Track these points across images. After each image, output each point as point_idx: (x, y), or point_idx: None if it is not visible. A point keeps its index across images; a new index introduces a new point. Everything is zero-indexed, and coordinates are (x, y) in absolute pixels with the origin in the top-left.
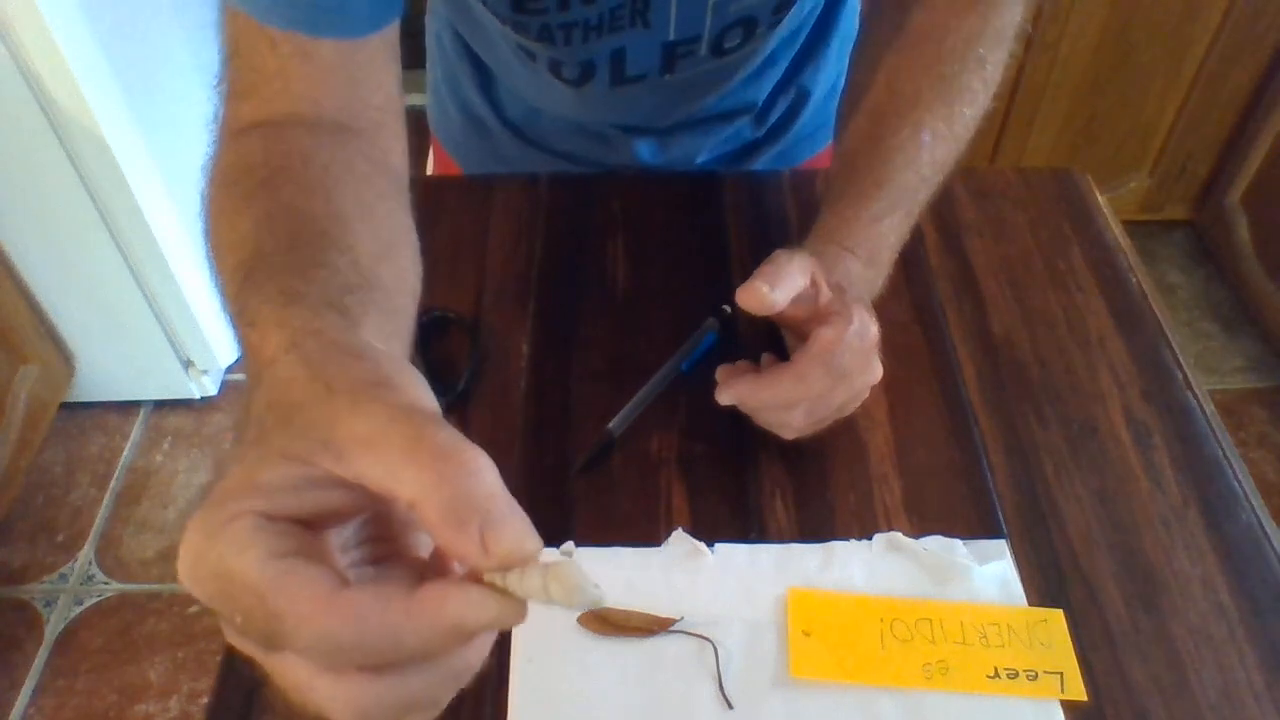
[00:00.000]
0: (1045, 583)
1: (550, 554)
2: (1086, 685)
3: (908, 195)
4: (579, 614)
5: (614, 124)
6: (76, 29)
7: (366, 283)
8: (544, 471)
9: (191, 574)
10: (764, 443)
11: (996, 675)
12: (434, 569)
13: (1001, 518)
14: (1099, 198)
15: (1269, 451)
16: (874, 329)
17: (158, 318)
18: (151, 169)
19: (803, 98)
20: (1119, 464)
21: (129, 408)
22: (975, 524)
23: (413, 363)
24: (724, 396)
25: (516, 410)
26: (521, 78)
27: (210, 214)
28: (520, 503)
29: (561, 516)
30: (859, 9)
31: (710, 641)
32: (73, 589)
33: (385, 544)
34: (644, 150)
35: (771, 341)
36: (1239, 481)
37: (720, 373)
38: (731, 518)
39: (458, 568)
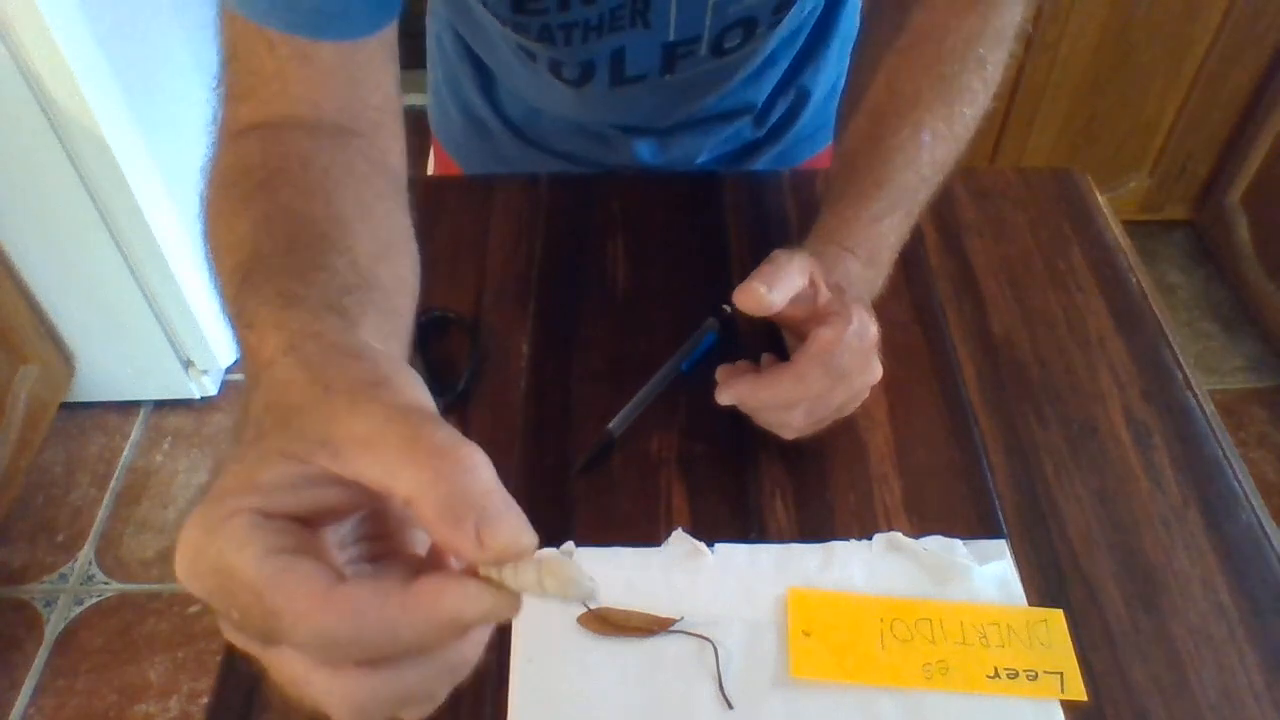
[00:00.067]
0: (1045, 583)
1: (549, 554)
2: (1086, 685)
3: (908, 195)
4: (579, 614)
5: (614, 124)
6: (76, 29)
7: (365, 283)
8: (544, 471)
9: (190, 570)
10: (764, 443)
11: (996, 675)
12: (431, 566)
13: (1001, 518)
14: (1099, 198)
15: (1269, 451)
16: (873, 329)
17: (158, 318)
18: (151, 169)
19: (803, 98)
20: (1119, 464)
21: (129, 408)
22: (975, 524)
23: (412, 363)
24: (724, 396)
25: (516, 410)
26: (522, 78)
27: (209, 216)
28: (520, 503)
29: (561, 516)
30: (859, 9)
31: (710, 641)
32: (73, 589)
33: (382, 542)
34: (644, 150)
35: (771, 341)
36: (1239, 481)
37: (720, 373)
38: (731, 518)
39: (454, 563)
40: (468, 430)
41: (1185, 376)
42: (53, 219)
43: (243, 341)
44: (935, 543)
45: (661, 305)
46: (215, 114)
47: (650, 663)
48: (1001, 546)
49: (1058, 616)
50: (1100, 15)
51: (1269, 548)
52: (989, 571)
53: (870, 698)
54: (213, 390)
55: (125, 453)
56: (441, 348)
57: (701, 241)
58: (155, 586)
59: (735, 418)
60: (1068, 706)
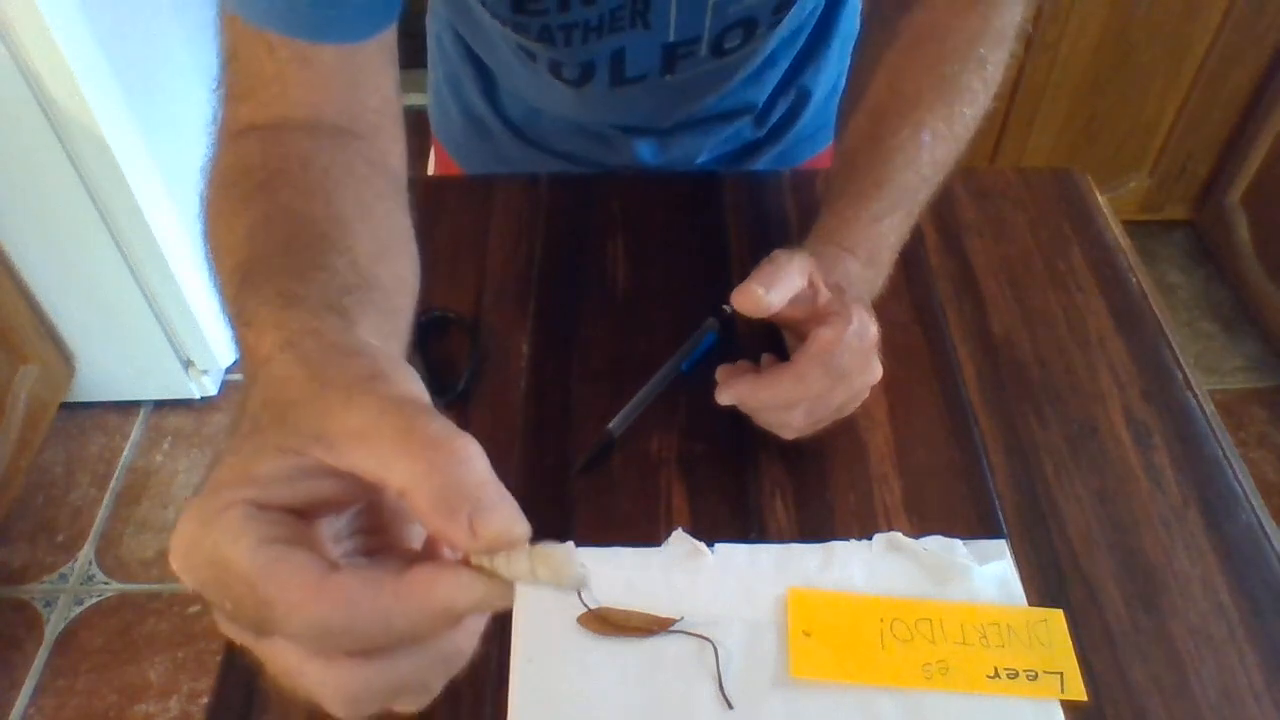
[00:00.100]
0: (1045, 583)
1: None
2: (1086, 685)
3: (908, 195)
4: (579, 614)
5: (614, 124)
6: (76, 29)
7: (364, 283)
8: (544, 471)
9: (185, 562)
10: (764, 443)
11: (996, 675)
12: (426, 558)
13: (1001, 518)
14: (1099, 198)
15: (1269, 451)
16: (873, 329)
17: (158, 318)
18: (151, 169)
19: (803, 98)
20: (1119, 464)
21: (129, 408)
22: (975, 524)
23: (412, 362)
24: (723, 397)
25: (516, 410)
26: (522, 78)
27: (209, 216)
28: (520, 503)
29: (561, 516)
30: (860, 9)
31: (710, 641)
32: (73, 589)
33: (378, 536)
34: (645, 151)
35: (771, 341)
36: (1239, 481)
37: (720, 373)
38: (731, 518)
39: (449, 554)
40: (468, 430)
41: (1185, 376)
42: (53, 219)
43: (241, 340)
44: (935, 543)
45: (661, 305)
46: (215, 115)
47: (650, 663)
48: (1001, 546)
49: (1058, 616)
50: (1100, 15)
51: (1269, 548)
52: (989, 571)
53: (870, 698)
54: (213, 390)
55: (125, 453)
56: (441, 348)
57: (701, 241)
58: (155, 586)
59: (735, 418)
60: (1068, 706)
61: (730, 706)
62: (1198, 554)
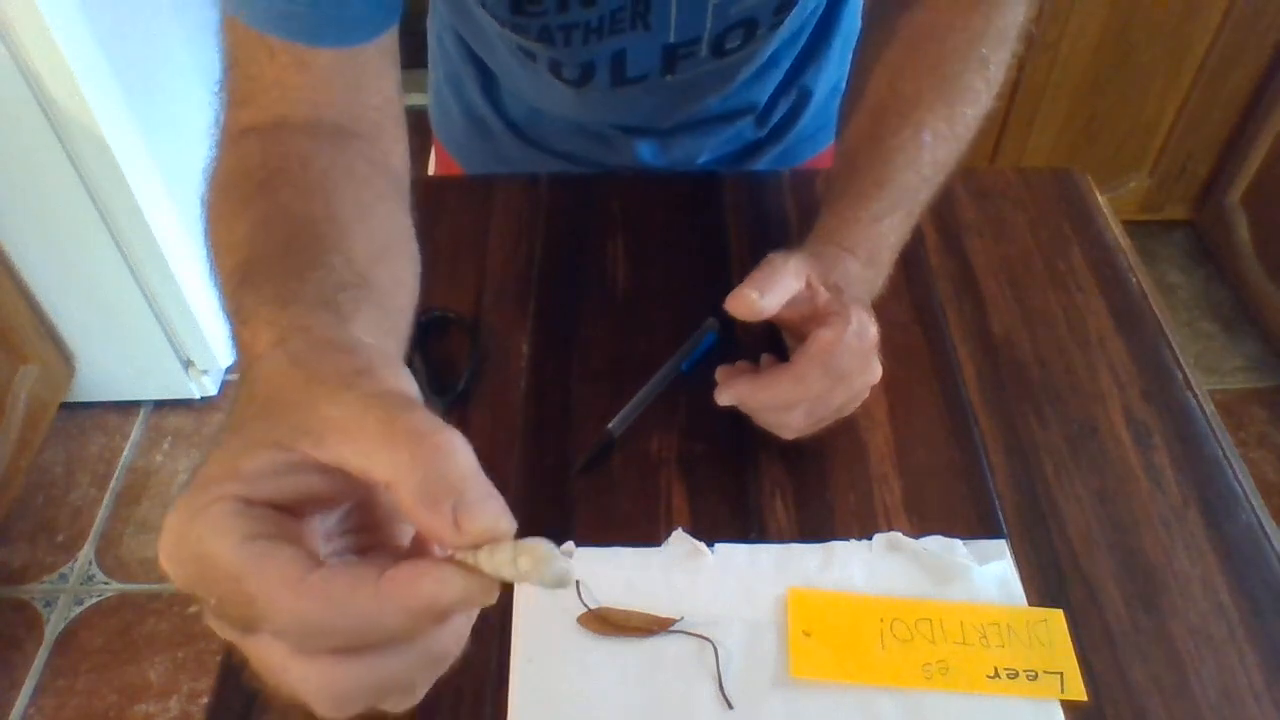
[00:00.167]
0: (1045, 583)
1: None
2: (1086, 685)
3: (908, 195)
4: (579, 614)
5: (615, 125)
6: (76, 29)
7: (361, 282)
8: (544, 471)
9: (171, 557)
10: (764, 443)
11: (996, 675)
12: (413, 555)
13: (1001, 518)
14: (1099, 198)
15: (1269, 451)
16: (873, 330)
17: (158, 318)
18: (151, 169)
19: (804, 98)
20: (1119, 464)
21: (129, 408)
22: (975, 524)
23: (412, 362)
24: (723, 397)
25: (516, 410)
26: (522, 79)
27: (210, 217)
28: (520, 503)
29: (561, 516)
30: (861, 8)
31: (710, 641)
32: (73, 589)
33: (370, 534)
34: (646, 151)
35: (771, 342)
36: (1239, 481)
37: (719, 373)
38: (731, 518)
39: (438, 551)
40: (468, 430)
41: (1185, 376)
42: (53, 219)
43: (238, 338)
44: (935, 543)
45: (661, 305)
46: (217, 118)
47: (650, 663)
48: (1001, 546)
49: (1058, 616)
50: (1100, 15)
51: (1269, 548)
52: (989, 571)
53: (870, 698)
54: (213, 390)
55: (125, 453)
56: (441, 348)
57: (701, 241)
58: (155, 586)
59: (735, 418)
60: (1068, 706)
61: (730, 706)
62: (1198, 554)
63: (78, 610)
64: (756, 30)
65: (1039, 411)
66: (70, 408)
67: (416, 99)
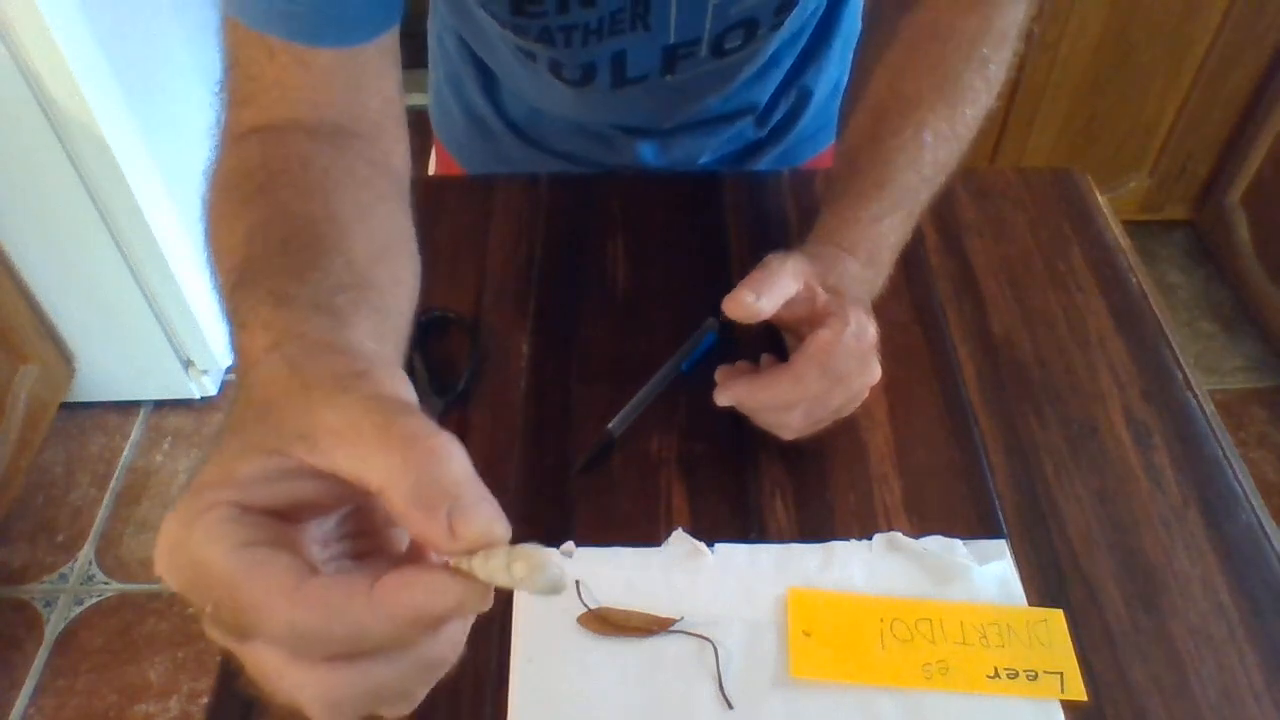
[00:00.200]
0: (1045, 583)
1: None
2: (1086, 685)
3: (909, 195)
4: (579, 614)
5: (616, 125)
6: (76, 29)
7: (360, 283)
8: (544, 471)
9: (167, 563)
10: (764, 443)
11: (996, 675)
12: (410, 562)
13: (1001, 518)
14: (1099, 198)
15: (1269, 451)
16: (872, 330)
17: (158, 318)
18: (151, 169)
19: (805, 98)
20: (1119, 464)
21: (129, 408)
22: (975, 524)
23: (412, 362)
24: (722, 398)
25: (516, 410)
26: (523, 79)
27: (210, 219)
28: (520, 503)
29: (561, 516)
30: (861, 8)
31: (710, 641)
32: (73, 589)
33: (368, 539)
34: (646, 152)
35: (771, 342)
36: (1239, 481)
37: (719, 374)
38: (731, 518)
39: (435, 558)
40: (468, 430)
41: (1185, 376)
42: (53, 219)
43: (236, 341)
44: (935, 543)
45: (661, 305)
46: (217, 119)
47: (650, 663)
48: (1001, 546)
49: (1058, 616)
50: (1100, 15)
51: (1269, 548)
52: (989, 571)
53: (870, 698)
54: (213, 390)
55: (125, 453)
56: (441, 348)
57: (701, 241)
58: (155, 586)
59: (735, 418)
60: (1068, 706)
61: (730, 706)
62: (1198, 554)
63: (78, 610)
64: (757, 31)
65: (1039, 411)
66: (70, 408)
67: (417, 99)
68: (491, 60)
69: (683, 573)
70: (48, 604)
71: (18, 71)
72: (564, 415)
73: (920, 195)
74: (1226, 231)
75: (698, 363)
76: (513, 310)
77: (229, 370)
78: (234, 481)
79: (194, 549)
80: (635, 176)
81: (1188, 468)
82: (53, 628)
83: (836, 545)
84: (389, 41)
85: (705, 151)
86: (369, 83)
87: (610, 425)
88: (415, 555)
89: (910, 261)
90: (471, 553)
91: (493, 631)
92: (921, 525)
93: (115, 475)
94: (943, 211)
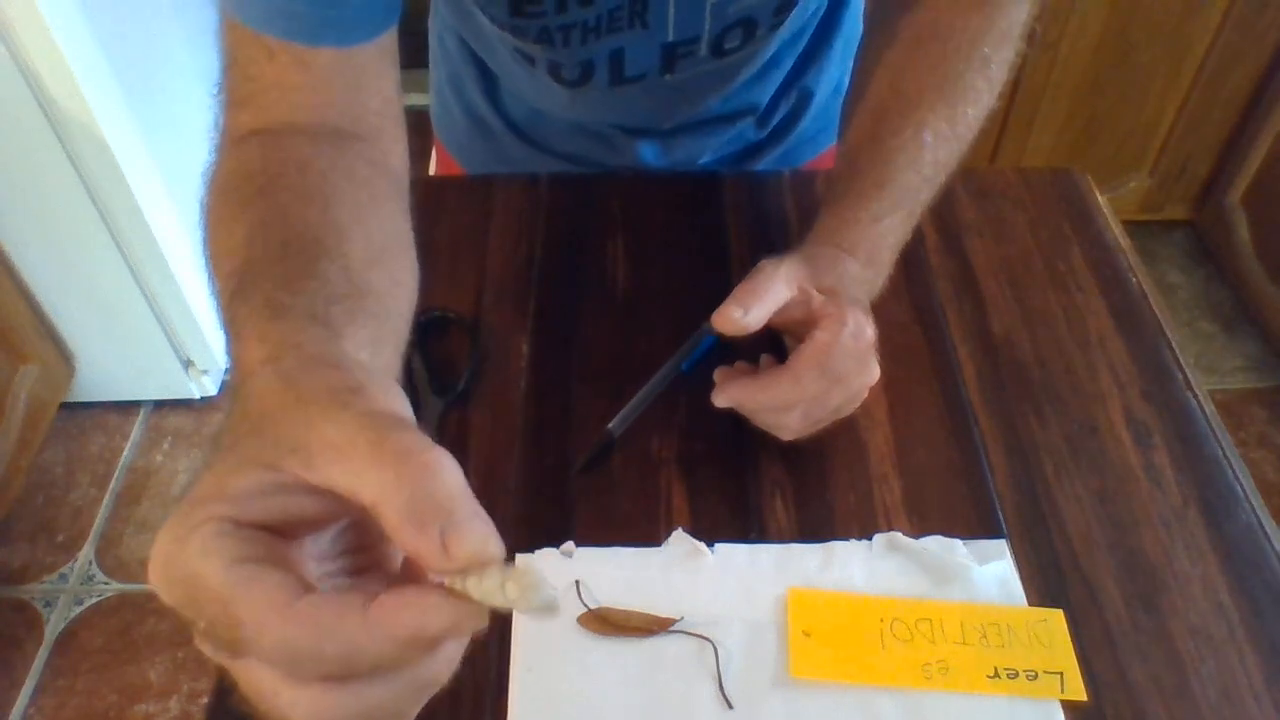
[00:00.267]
0: (1045, 583)
1: (550, 553)
2: (1086, 685)
3: (909, 195)
4: (579, 614)
5: (616, 125)
6: (76, 29)
7: (356, 290)
8: (544, 471)
9: (160, 578)
10: (764, 443)
11: (996, 675)
12: (405, 579)
13: (1001, 518)
14: (1099, 198)
15: (1269, 451)
16: (870, 331)
17: (158, 318)
18: (151, 169)
19: (805, 99)
20: (1119, 464)
21: (129, 408)
22: (975, 524)
23: (412, 362)
24: (720, 399)
25: (516, 410)
26: (522, 80)
27: (208, 222)
28: (520, 503)
29: (561, 516)
30: (863, 9)
31: (710, 641)
32: (73, 589)
33: (365, 555)
34: (647, 152)
35: (770, 343)
36: (1239, 481)
37: (717, 375)
38: (731, 518)
39: (433, 578)
40: (468, 430)
41: (1185, 376)
42: (53, 219)
43: (232, 351)
44: (935, 543)
45: (661, 305)
46: (217, 120)
47: (650, 663)
48: (1001, 546)
49: (1058, 616)
50: (1100, 15)
51: (1269, 548)
52: (989, 571)
53: (870, 698)
54: (213, 390)
55: (125, 453)
56: (441, 348)
57: (701, 241)
58: None
59: (735, 418)
60: (1068, 706)
61: (730, 706)
62: (1198, 554)
63: (78, 610)
64: (756, 30)
65: (1039, 411)
66: (70, 408)
67: (417, 99)
68: (491, 61)
69: (683, 573)
70: (48, 604)
71: (18, 71)
72: (564, 415)
73: (920, 195)
74: (1226, 231)
75: (698, 363)
76: (513, 310)
77: (229, 370)
78: (228, 496)
79: (187, 564)
80: (635, 176)
81: (1188, 468)
82: (53, 628)
83: (836, 545)
84: (388, 42)
85: (706, 152)
86: (368, 83)
87: (610, 425)
88: (411, 572)
89: (910, 261)
90: (465, 572)
91: (493, 632)
92: (921, 525)
93: (115, 475)
94: (943, 211)
